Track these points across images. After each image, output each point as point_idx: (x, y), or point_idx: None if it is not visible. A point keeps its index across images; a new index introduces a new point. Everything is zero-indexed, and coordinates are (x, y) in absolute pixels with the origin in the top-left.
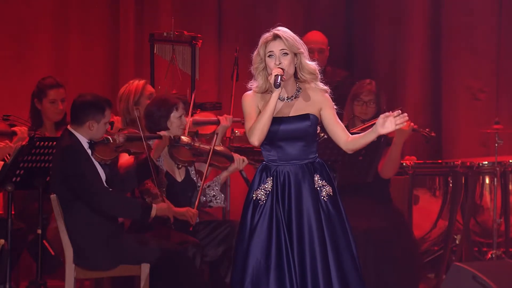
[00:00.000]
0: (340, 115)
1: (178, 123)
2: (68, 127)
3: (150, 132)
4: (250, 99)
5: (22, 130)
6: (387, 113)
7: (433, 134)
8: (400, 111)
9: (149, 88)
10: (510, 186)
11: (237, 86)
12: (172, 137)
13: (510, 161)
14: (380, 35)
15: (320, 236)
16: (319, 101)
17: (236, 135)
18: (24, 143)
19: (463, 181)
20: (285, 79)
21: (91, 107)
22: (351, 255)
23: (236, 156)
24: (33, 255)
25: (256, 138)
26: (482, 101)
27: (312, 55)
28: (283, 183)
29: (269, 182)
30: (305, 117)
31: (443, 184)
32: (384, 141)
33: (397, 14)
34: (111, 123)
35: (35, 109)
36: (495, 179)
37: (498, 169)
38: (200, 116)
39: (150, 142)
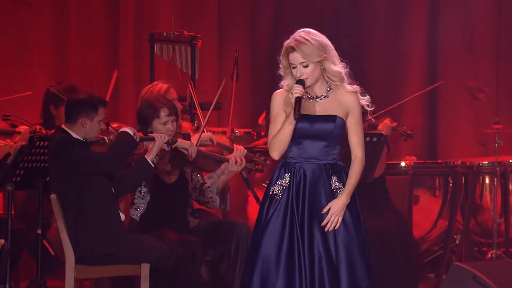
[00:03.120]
0: None
1: (163, 130)
2: (62, 125)
3: (144, 134)
4: (278, 100)
5: (25, 130)
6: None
7: (409, 131)
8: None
9: (172, 93)
10: (510, 186)
11: (236, 86)
12: (169, 140)
13: (510, 161)
14: (379, 34)
15: (330, 238)
16: (348, 104)
17: (236, 135)
18: (24, 143)
19: (463, 181)
20: (304, 96)
21: (83, 104)
22: (364, 257)
23: (231, 157)
24: (33, 255)
25: (275, 153)
26: (482, 101)
27: None
28: (299, 180)
29: (287, 177)
30: (331, 118)
31: (443, 184)
32: (383, 141)
33: (395, 13)
34: (107, 123)
35: (49, 113)
36: (495, 179)
37: (498, 169)
38: (217, 138)
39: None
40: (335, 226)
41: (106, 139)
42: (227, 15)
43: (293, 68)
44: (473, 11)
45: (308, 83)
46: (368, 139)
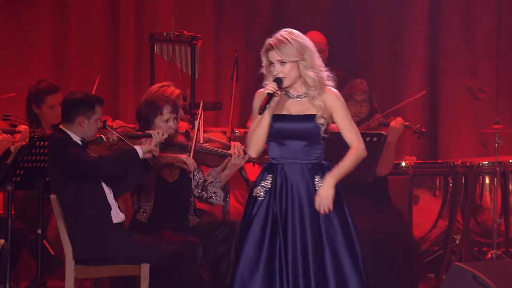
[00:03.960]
0: None
1: (165, 128)
2: (60, 126)
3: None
4: (259, 98)
5: (26, 129)
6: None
7: (423, 129)
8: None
9: (181, 100)
10: (510, 186)
11: (237, 86)
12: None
13: (510, 161)
14: (378, 35)
15: (314, 237)
16: (329, 103)
17: (236, 135)
18: (24, 143)
19: (463, 181)
20: (277, 95)
21: (81, 103)
22: (353, 258)
23: (235, 151)
24: (33, 255)
25: (251, 151)
26: (482, 101)
27: None
28: (281, 181)
29: (269, 179)
30: (309, 117)
31: (443, 184)
32: (383, 141)
33: (396, 13)
34: (104, 122)
35: (32, 113)
36: (495, 179)
37: (498, 169)
38: (213, 136)
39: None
40: (328, 209)
41: (104, 137)
42: (226, 15)
43: (272, 65)
44: (473, 11)
45: (286, 82)
46: (368, 139)
